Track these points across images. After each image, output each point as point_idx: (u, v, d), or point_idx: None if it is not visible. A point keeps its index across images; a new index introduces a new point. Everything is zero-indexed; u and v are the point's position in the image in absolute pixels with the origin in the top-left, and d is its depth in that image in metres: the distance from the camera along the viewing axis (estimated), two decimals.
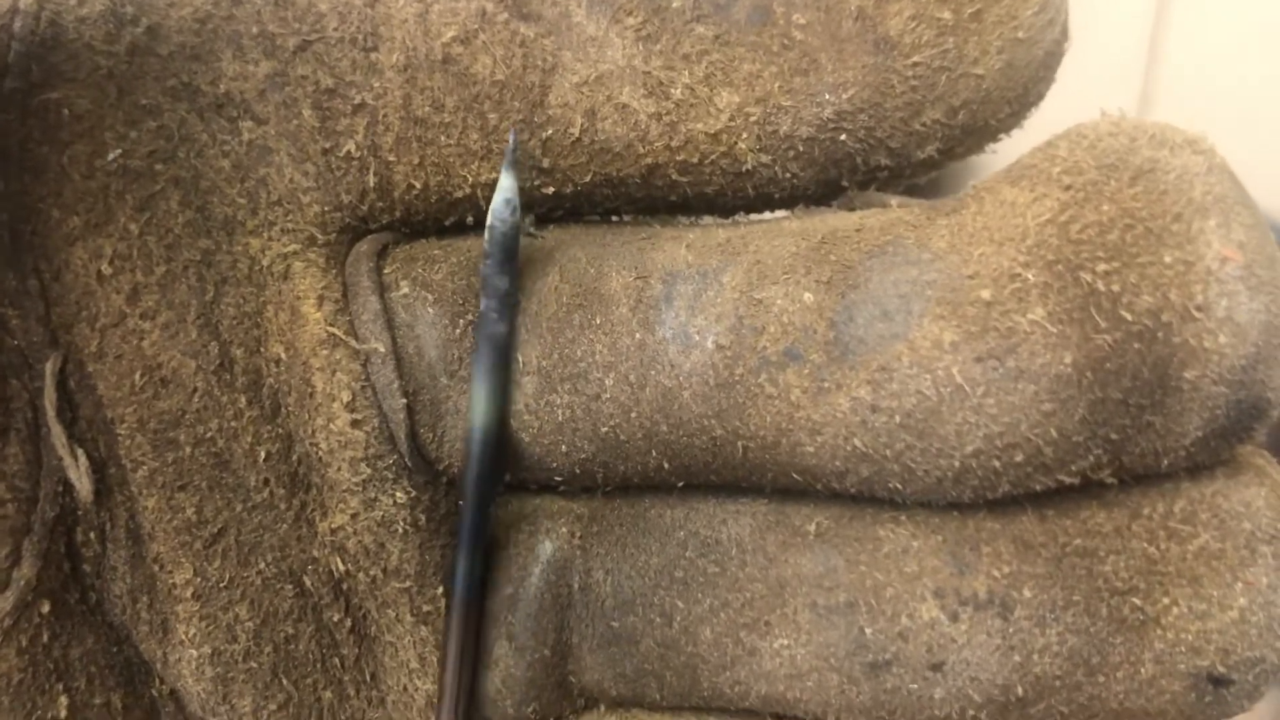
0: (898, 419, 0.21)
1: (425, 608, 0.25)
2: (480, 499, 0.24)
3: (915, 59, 0.21)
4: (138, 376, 0.24)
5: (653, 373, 0.23)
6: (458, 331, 0.24)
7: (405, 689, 0.25)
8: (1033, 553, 0.22)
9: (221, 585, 0.25)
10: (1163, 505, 0.21)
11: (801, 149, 0.22)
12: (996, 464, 0.21)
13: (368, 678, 0.26)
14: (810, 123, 0.22)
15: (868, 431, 0.21)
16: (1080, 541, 0.21)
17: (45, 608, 0.24)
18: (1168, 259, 0.20)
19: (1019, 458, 0.21)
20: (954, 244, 0.21)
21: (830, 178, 0.23)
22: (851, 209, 0.24)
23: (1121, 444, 0.21)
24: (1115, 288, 0.20)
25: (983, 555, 0.22)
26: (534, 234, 0.25)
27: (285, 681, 0.25)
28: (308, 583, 0.25)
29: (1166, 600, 0.21)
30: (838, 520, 0.23)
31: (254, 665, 0.25)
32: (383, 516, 0.25)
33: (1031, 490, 0.21)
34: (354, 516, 0.25)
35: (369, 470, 0.25)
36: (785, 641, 0.23)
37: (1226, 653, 0.21)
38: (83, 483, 0.24)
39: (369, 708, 0.26)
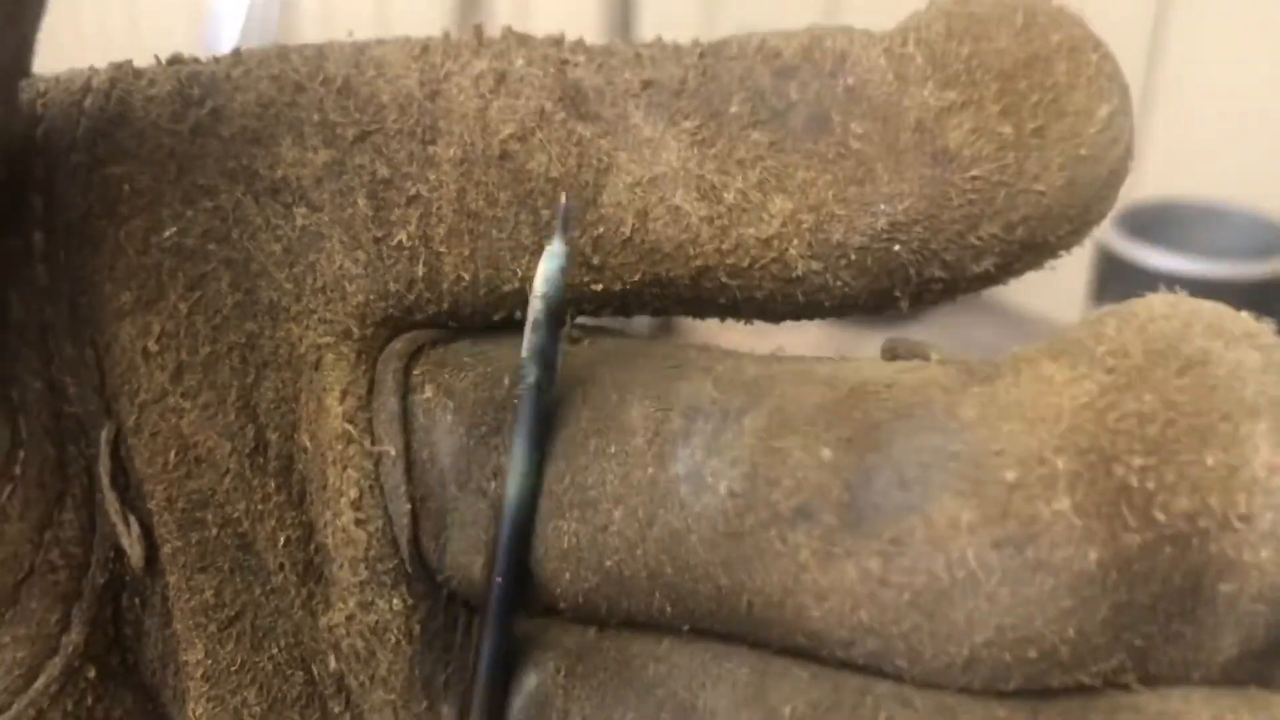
0: (906, 596, 0.20)
1: None
2: (506, 590, 0.23)
3: (974, 173, 0.21)
4: (172, 455, 0.24)
5: (662, 511, 0.22)
6: (472, 442, 0.24)
7: None
8: None
9: (233, 669, 0.25)
10: None
11: (854, 258, 0.22)
12: (1007, 658, 0.19)
13: None
14: (864, 232, 0.22)
15: (875, 605, 0.20)
16: None
17: (91, 673, 0.24)
18: (1210, 461, 0.18)
19: (1033, 653, 0.19)
20: (984, 416, 0.20)
21: (882, 287, 0.22)
22: (893, 357, 0.23)
23: (1148, 651, 0.19)
24: (1150, 485, 0.18)
25: None
26: (577, 337, 0.24)
27: None
28: (316, 671, 0.25)
29: None
30: (814, 709, 0.21)
31: None
32: (377, 621, 0.24)
33: (1048, 687, 0.20)
34: (349, 618, 0.25)
35: (367, 572, 0.24)
36: None
37: None
38: (134, 549, 0.24)
39: None
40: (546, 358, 0.23)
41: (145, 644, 0.25)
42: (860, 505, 0.20)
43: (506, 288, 0.24)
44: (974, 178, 0.21)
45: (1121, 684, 0.20)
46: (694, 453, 0.22)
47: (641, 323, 0.27)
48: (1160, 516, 0.18)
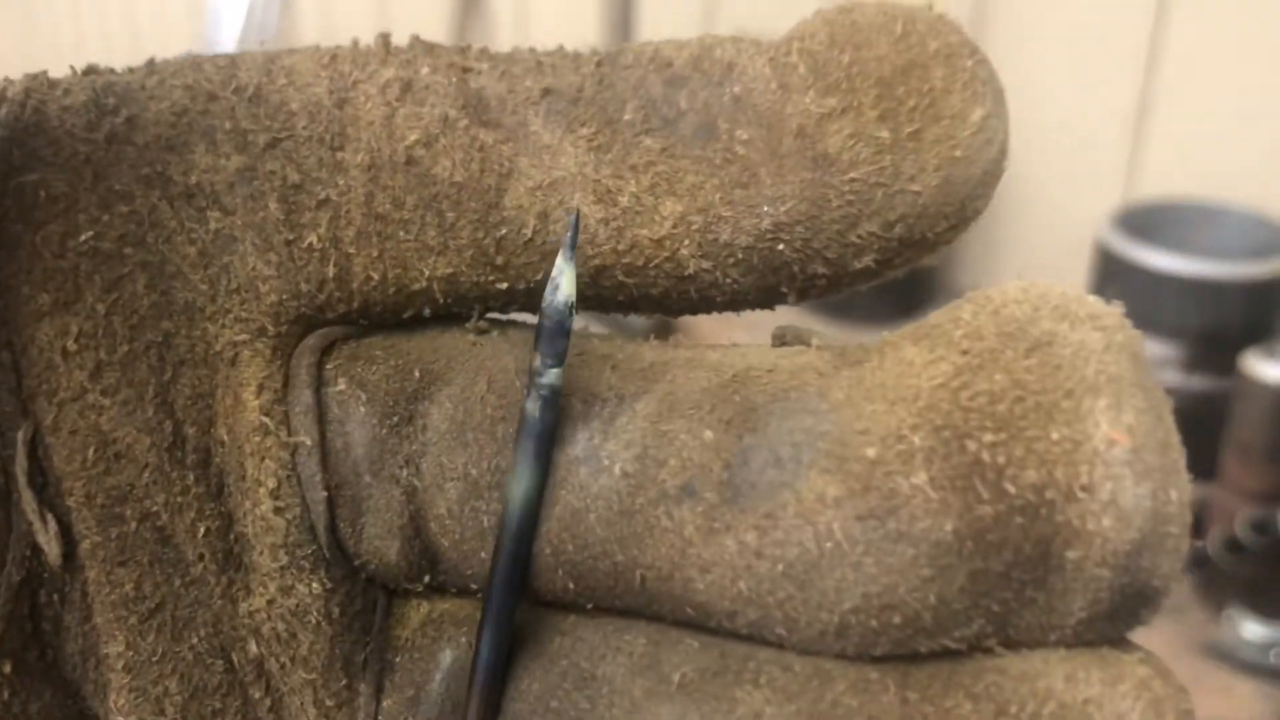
0: (780, 567, 0.21)
1: (328, 701, 0.26)
2: (508, 588, 0.24)
3: (852, 175, 0.22)
4: (91, 451, 0.24)
5: (563, 491, 0.23)
6: (384, 431, 0.25)
7: None
8: None
9: (154, 660, 0.25)
10: (1033, 705, 0.20)
11: (741, 256, 0.23)
12: (875, 624, 0.21)
13: None
14: (749, 232, 0.23)
15: (752, 576, 0.21)
16: None
17: (7, 668, 0.25)
18: (1055, 436, 0.20)
19: (898, 619, 0.20)
20: (850, 397, 0.21)
21: (769, 284, 0.24)
22: (781, 343, 0.24)
23: (1005, 616, 0.20)
24: (1001, 460, 0.20)
25: None
26: (484, 329, 0.25)
27: None
28: (235, 659, 0.26)
29: None
30: (702, 675, 0.23)
31: None
32: (296, 605, 0.25)
33: (916, 651, 0.21)
34: (270, 602, 0.25)
35: (287, 557, 0.25)
36: None
37: None
38: (52, 547, 0.25)
39: None
40: (561, 365, 0.24)
41: (65, 639, 0.26)
42: (738, 483, 0.21)
43: (414, 287, 0.25)
44: (852, 180, 0.22)
45: (985, 648, 0.21)
46: (592, 436, 0.23)
47: (639, 322, 0.28)
48: (1010, 489, 0.20)
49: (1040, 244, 1.62)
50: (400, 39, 0.25)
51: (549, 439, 0.23)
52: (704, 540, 0.22)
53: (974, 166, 0.22)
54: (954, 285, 1.59)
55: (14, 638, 0.25)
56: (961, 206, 0.22)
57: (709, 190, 0.23)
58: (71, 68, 0.26)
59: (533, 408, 0.23)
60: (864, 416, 0.21)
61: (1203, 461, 1.53)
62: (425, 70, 0.24)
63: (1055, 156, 1.73)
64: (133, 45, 2.63)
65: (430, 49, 0.25)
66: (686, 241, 0.23)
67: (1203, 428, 1.55)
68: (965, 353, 0.21)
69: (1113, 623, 0.21)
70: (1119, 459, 0.19)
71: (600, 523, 0.23)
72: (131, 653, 0.25)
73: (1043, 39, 1.68)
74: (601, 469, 0.23)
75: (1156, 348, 1.60)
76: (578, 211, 0.23)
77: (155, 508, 0.25)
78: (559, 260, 0.23)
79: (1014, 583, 0.20)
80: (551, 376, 0.23)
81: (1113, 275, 1.60)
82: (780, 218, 0.22)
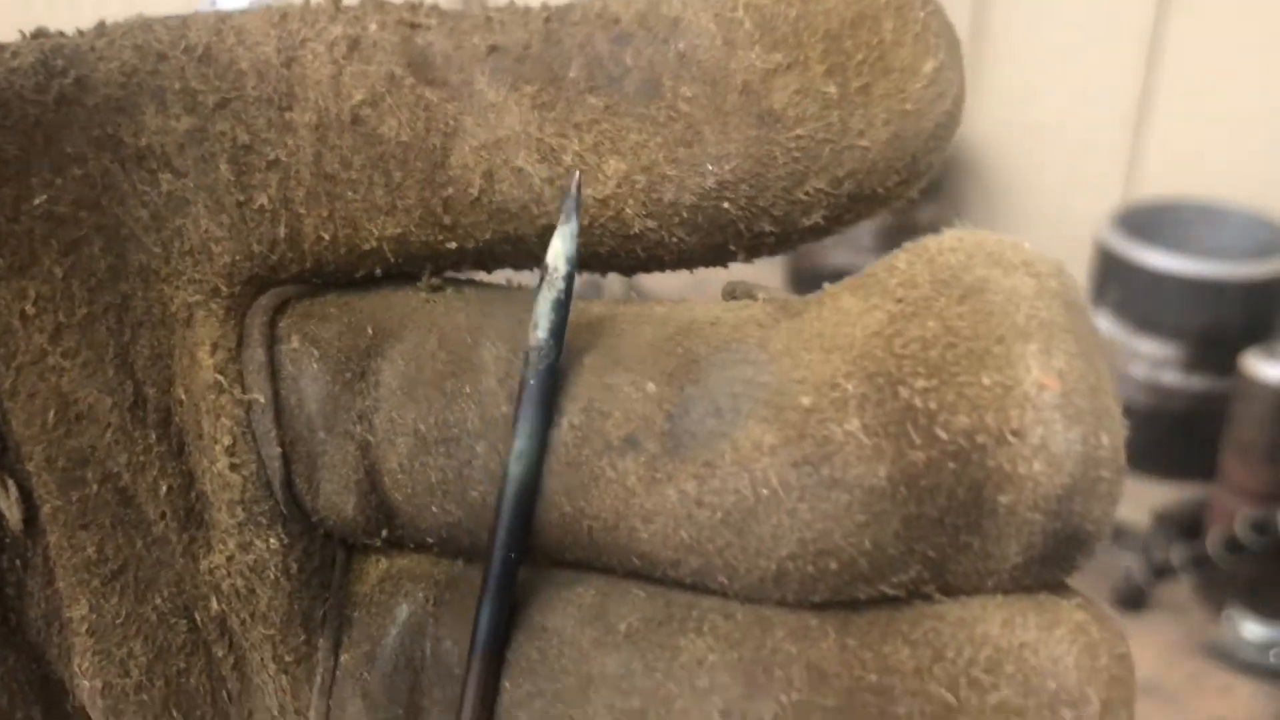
0: (719, 515, 0.21)
1: (287, 657, 0.26)
2: (509, 547, 0.24)
3: (799, 131, 0.22)
4: (51, 414, 0.24)
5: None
6: (338, 388, 0.25)
7: None
8: (826, 683, 0.21)
9: (117, 622, 0.25)
10: (969, 650, 0.21)
11: (686, 215, 0.23)
12: (811, 569, 0.21)
13: (246, 714, 0.27)
14: (693, 191, 0.23)
15: (693, 525, 0.21)
16: (876, 678, 0.21)
17: None
18: (986, 381, 0.20)
19: (834, 565, 0.21)
20: (789, 347, 0.21)
21: (717, 243, 0.23)
22: (732, 297, 0.24)
23: (941, 562, 0.21)
24: (932, 405, 0.20)
25: (775, 679, 0.21)
26: (438, 286, 0.25)
27: (176, 713, 0.26)
28: (199, 618, 0.26)
29: None
30: (647, 624, 0.23)
31: (145, 698, 0.26)
32: (255, 560, 0.25)
33: (855, 598, 0.21)
34: (229, 558, 0.25)
35: (244, 514, 0.25)
36: None
37: None
38: (13, 511, 0.25)
39: None
40: (561, 334, 0.24)
41: (28, 604, 0.26)
42: (679, 433, 0.22)
43: (365, 247, 0.25)
44: (798, 136, 0.22)
45: (924, 595, 0.21)
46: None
47: (614, 288, 0.29)
48: (942, 434, 0.20)
49: (1040, 244, 1.61)
50: None
51: (549, 407, 0.23)
52: (646, 490, 0.22)
53: (925, 120, 0.22)
54: None
55: None
56: (913, 161, 0.22)
57: (653, 149, 0.23)
58: (20, 31, 0.26)
59: (540, 374, 0.23)
60: (801, 366, 0.21)
61: (1203, 461, 1.53)
62: (373, 27, 0.24)
63: (1055, 156, 1.73)
64: None
65: (380, 5, 0.24)
66: (631, 201, 0.23)
67: (1203, 428, 1.55)
68: (900, 300, 0.21)
69: (1047, 567, 0.21)
70: (1049, 403, 0.19)
71: (550, 474, 0.23)
72: (95, 615, 0.25)
73: (1043, 39, 1.68)
74: (551, 422, 0.23)
75: (1156, 348, 1.60)
76: (578, 175, 0.23)
77: (117, 469, 0.25)
78: (558, 229, 0.23)
79: (948, 528, 0.20)
80: (557, 345, 0.23)
81: (1113, 275, 1.60)
82: (725, 176, 0.22)
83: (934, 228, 0.22)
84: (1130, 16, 1.59)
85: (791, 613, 0.22)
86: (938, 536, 0.20)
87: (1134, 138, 1.65)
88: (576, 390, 0.23)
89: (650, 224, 0.23)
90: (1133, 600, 1.36)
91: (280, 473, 0.25)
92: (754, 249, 0.24)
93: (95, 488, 0.25)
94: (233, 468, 0.25)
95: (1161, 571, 1.40)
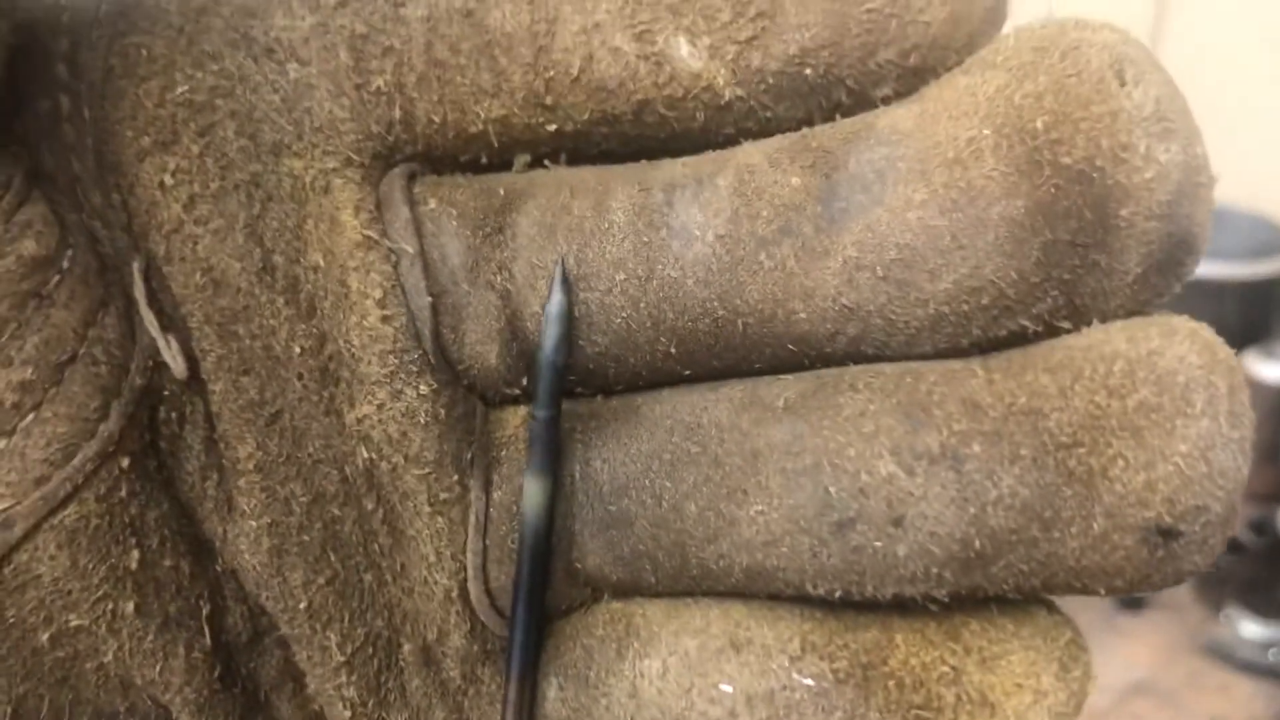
0: (880, 271, 0.24)
1: (442, 495, 0.28)
2: (530, 596, 0.27)
3: (869, 6, 0.24)
4: (198, 276, 0.27)
5: (659, 266, 0.25)
6: (478, 240, 0.27)
7: (426, 581, 0.28)
8: (980, 411, 0.24)
9: (280, 460, 0.27)
10: (1103, 366, 0.23)
11: (771, 81, 0.25)
12: (965, 307, 0.24)
13: (399, 567, 0.28)
14: (778, 57, 0.25)
15: (854, 289, 0.24)
16: (1025, 400, 0.23)
17: (125, 463, 0.26)
18: (1096, 111, 0.23)
19: (985, 300, 0.23)
20: (920, 124, 0.24)
21: (800, 115, 0.26)
22: None
23: (1074, 284, 0.23)
24: (1054, 137, 0.23)
25: (934, 415, 0.24)
26: (546, 167, 0.27)
27: (333, 558, 0.27)
28: (347, 471, 0.28)
29: (1111, 452, 0.23)
30: (803, 394, 0.25)
31: (306, 539, 0.27)
32: (407, 407, 0.27)
33: (999, 336, 0.24)
34: (380, 406, 0.27)
35: (396, 363, 0.27)
36: (760, 508, 0.25)
37: (1172, 503, 0.23)
38: (177, 361, 0.27)
39: (404, 596, 0.28)
40: (558, 398, 0.26)
41: (184, 458, 0.28)
42: (832, 212, 0.24)
43: (472, 129, 0.27)
44: (869, 10, 0.24)
45: (1055, 329, 0.24)
46: (679, 214, 0.25)
47: None
48: (1067, 160, 0.23)
49: None
50: None
51: (556, 454, 0.26)
52: (806, 269, 0.24)
53: (977, 4, 0.24)
54: None
55: (133, 438, 0.27)
56: (969, 40, 0.25)
57: (741, 23, 0.25)
58: None
59: (542, 433, 0.26)
60: (934, 133, 0.24)
61: None
62: None
63: None
64: None
65: None
66: (722, 70, 0.25)
67: None
68: (1010, 69, 0.24)
69: (1163, 275, 0.24)
70: (1149, 119, 0.23)
71: (699, 285, 0.25)
72: (261, 453, 0.27)
73: None
74: (694, 239, 0.25)
75: None
76: (562, 260, 0.26)
77: (258, 329, 0.27)
78: (550, 304, 0.25)
79: (1079, 248, 0.23)
80: (555, 408, 0.26)
81: None
82: (806, 43, 0.24)
83: None
84: (1130, 16, 1.59)
85: (938, 361, 0.24)
86: (1071, 258, 0.23)
87: None
88: (717, 206, 0.25)
89: (739, 92, 0.25)
90: (1132, 599, 1.36)
91: (429, 322, 0.27)
92: (831, 119, 0.26)
93: (248, 341, 0.27)
94: (384, 320, 0.27)
95: None
